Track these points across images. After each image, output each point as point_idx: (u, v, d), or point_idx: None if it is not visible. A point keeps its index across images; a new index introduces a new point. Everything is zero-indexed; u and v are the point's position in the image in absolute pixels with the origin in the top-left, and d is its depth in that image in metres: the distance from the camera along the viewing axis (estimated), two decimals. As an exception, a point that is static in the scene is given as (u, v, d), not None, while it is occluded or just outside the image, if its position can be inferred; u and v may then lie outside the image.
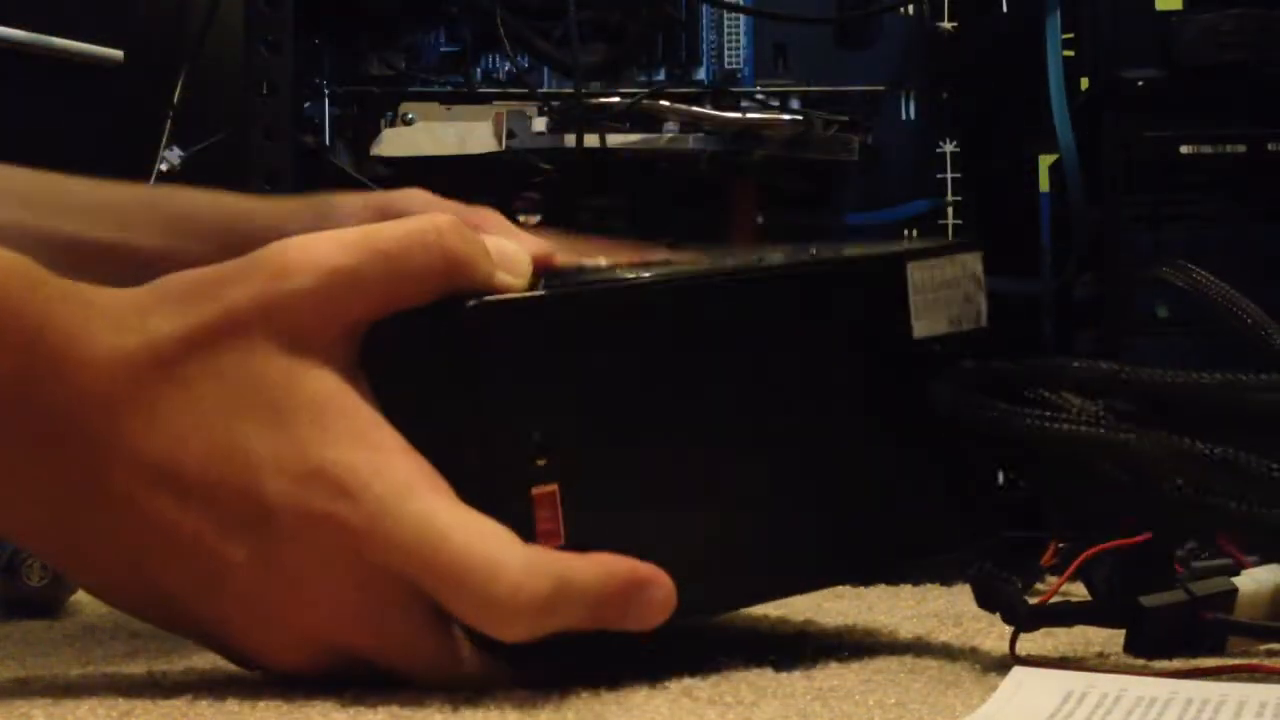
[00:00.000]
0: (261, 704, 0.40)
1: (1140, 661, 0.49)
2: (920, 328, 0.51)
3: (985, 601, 0.48)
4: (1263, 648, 0.50)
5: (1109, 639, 0.52)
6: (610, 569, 0.42)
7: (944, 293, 0.52)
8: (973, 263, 0.53)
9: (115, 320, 0.41)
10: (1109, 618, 0.51)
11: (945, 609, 0.61)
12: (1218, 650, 0.49)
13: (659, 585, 0.43)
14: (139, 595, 0.43)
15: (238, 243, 0.46)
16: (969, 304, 0.52)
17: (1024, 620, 0.48)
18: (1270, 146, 0.73)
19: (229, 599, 0.42)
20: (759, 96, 0.85)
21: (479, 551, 0.40)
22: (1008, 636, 0.52)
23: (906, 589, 0.70)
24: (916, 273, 0.51)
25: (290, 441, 0.41)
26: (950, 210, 0.87)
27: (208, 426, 0.41)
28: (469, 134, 0.80)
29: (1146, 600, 0.49)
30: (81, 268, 0.42)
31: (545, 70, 0.84)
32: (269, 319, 0.41)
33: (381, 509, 0.40)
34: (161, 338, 0.41)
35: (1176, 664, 0.48)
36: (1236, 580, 0.51)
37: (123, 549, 0.41)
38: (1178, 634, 0.49)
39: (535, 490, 0.42)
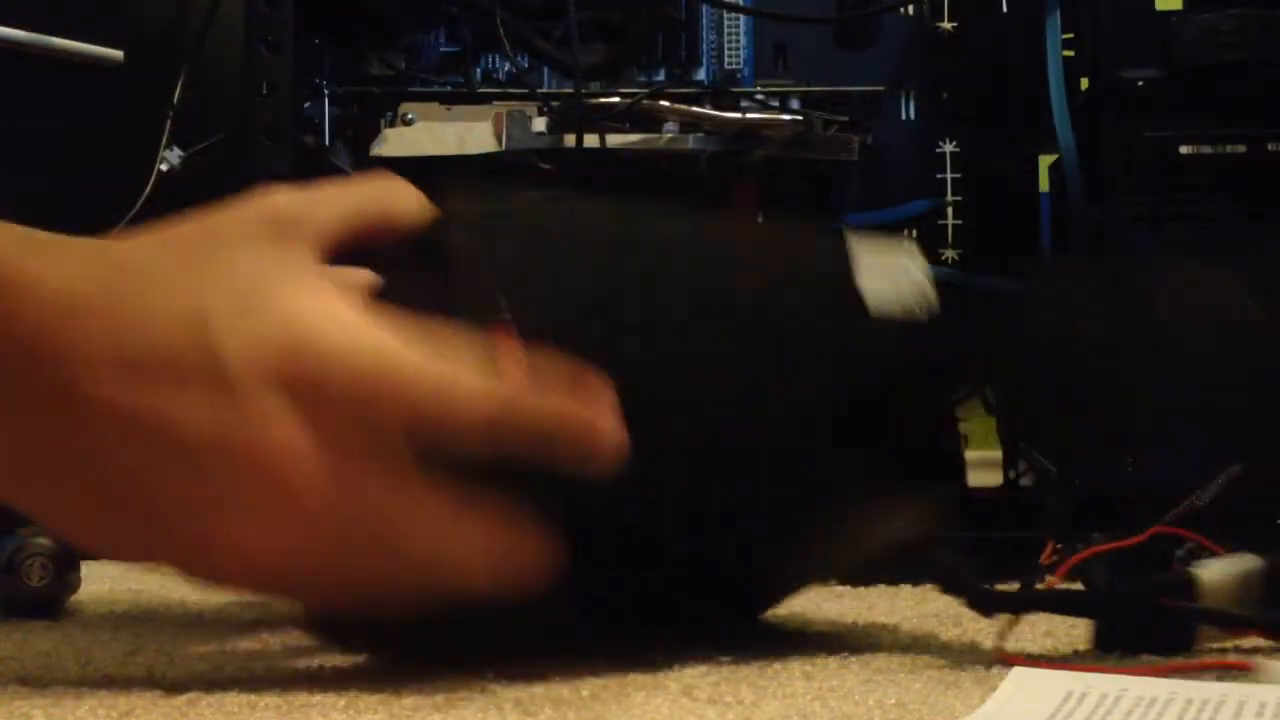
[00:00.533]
0: (261, 704, 0.41)
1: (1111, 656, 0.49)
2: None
3: (948, 587, 0.49)
4: (1231, 644, 0.50)
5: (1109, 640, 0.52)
6: (569, 406, 0.43)
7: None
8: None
9: (66, 247, 0.43)
10: (1072, 607, 0.52)
11: (945, 609, 0.61)
12: (1186, 642, 0.49)
13: (613, 434, 0.43)
14: (119, 524, 0.43)
15: None
16: None
17: (986, 604, 0.49)
18: (1270, 146, 0.73)
19: (201, 503, 0.42)
20: (759, 96, 0.85)
21: (439, 367, 0.42)
22: (1008, 636, 0.52)
23: (906, 589, 0.70)
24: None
25: (245, 299, 0.42)
26: (950, 210, 0.87)
27: (163, 308, 0.42)
28: (469, 134, 0.80)
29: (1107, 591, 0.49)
30: None
31: (545, 70, 0.84)
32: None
33: (339, 345, 0.42)
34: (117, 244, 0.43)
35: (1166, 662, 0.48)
36: (1199, 571, 0.51)
37: (95, 469, 0.42)
38: (1145, 627, 0.49)
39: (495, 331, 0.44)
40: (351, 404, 0.42)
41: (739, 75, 0.87)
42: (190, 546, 0.43)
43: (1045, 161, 0.86)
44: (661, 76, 0.86)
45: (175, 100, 0.89)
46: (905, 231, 0.87)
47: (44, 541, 0.59)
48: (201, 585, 0.45)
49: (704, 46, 0.87)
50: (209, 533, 0.42)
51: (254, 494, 0.41)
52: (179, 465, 0.41)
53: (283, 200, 0.45)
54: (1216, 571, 0.51)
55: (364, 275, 0.46)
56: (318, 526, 0.42)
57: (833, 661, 0.48)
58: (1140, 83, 0.73)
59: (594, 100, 0.80)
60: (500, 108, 0.81)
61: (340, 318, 0.42)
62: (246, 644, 0.52)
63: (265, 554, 0.42)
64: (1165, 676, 0.43)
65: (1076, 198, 0.77)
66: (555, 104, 0.79)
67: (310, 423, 0.41)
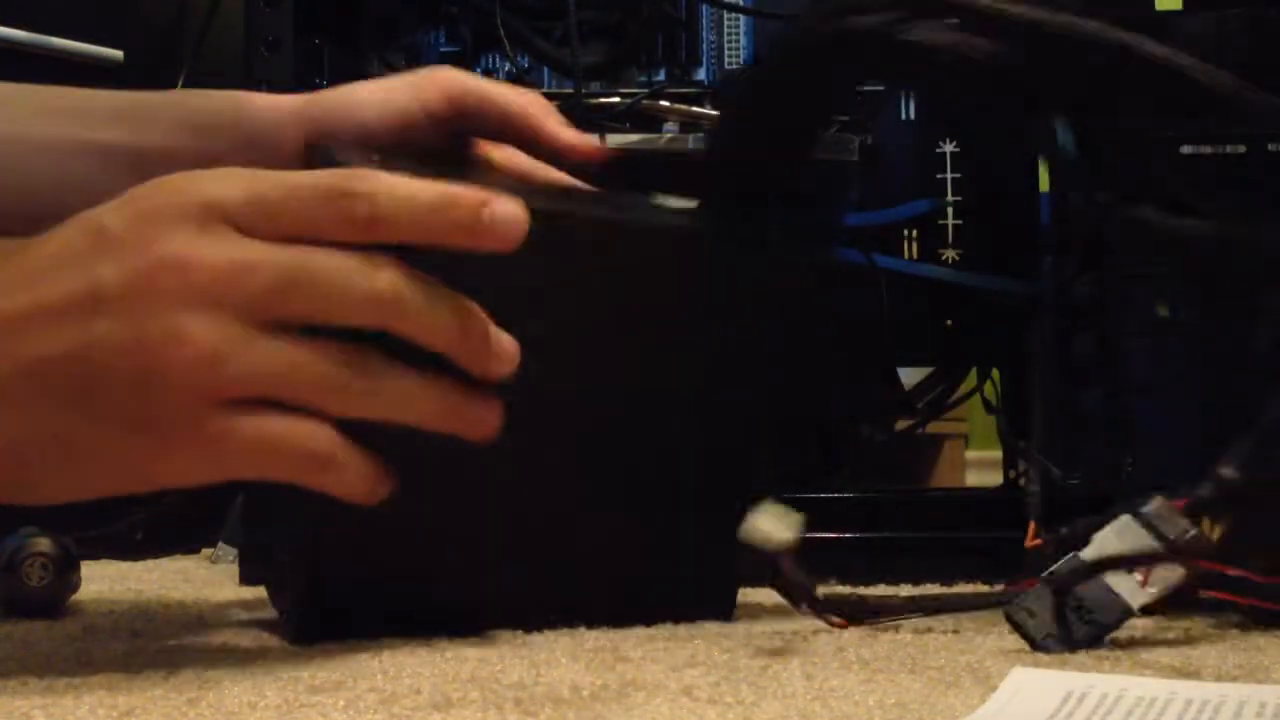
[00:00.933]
0: (261, 704, 0.41)
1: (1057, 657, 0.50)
2: None
3: (789, 596, 0.51)
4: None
5: (1109, 640, 0.52)
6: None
7: None
8: None
9: None
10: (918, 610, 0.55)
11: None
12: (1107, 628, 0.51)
13: (515, 205, 0.47)
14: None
15: (243, 139, 0.57)
16: None
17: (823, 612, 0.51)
18: (1270, 146, 0.73)
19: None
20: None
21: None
22: (1008, 636, 0.52)
23: (906, 589, 0.71)
24: None
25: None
26: (950, 210, 0.87)
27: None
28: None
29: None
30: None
31: (545, 70, 0.84)
32: None
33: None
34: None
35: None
36: (1083, 553, 0.52)
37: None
38: (1058, 619, 0.51)
39: None
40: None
41: (739, 75, 0.87)
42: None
43: (1045, 161, 0.86)
44: (661, 76, 0.86)
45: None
46: (905, 231, 0.87)
47: (44, 542, 0.59)
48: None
49: (704, 46, 0.87)
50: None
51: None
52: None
53: (210, 185, 0.46)
54: (1099, 551, 0.52)
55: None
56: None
57: (833, 661, 0.48)
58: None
59: (594, 100, 0.80)
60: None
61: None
62: (246, 644, 0.52)
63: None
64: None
65: (1076, 198, 0.77)
66: (555, 104, 0.79)
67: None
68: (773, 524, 0.48)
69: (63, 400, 0.43)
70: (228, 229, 0.45)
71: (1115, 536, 0.52)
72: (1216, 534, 0.53)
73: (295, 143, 0.59)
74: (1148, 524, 0.52)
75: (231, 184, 0.46)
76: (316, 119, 0.59)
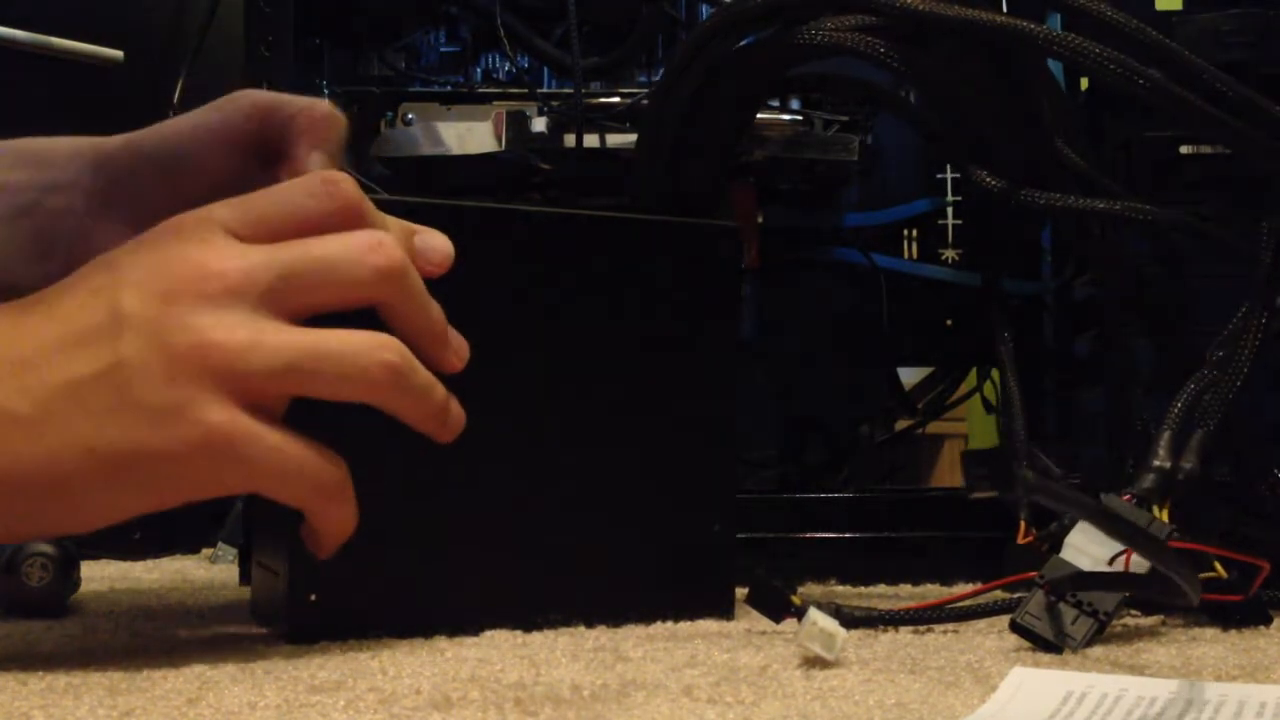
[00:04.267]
0: (261, 704, 0.41)
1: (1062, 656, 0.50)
2: None
3: (756, 602, 0.51)
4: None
5: (1109, 640, 0.52)
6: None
7: None
8: None
9: None
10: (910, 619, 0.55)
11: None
12: (1110, 615, 0.52)
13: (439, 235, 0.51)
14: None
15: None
16: None
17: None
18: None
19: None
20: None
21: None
22: (1008, 637, 0.52)
23: (906, 588, 0.71)
24: None
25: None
26: (950, 210, 0.87)
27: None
28: (469, 134, 0.80)
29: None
30: None
31: (545, 70, 0.84)
32: None
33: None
34: None
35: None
36: (1062, 554, 0.53)
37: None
38: (1061, 619, 0.52)
39: None
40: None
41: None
42: None
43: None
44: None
45: (175, 100, 0.89)
46: (905, 231, 0.87)
47: (44, 542, 0.59)
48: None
49: (704, 46, 0.87)
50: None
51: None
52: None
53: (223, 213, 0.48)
54: (1075, 550, 0.54)
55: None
56: None
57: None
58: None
59: (594, 100, 0.80)
60: (500, 108, 0.81)
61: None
62: (246, 644, 0.52)
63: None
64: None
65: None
66: (555, 104, 0.79)
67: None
68: (823, 640, 0.48)
69: (98, 416, 0.44)
70: (229, 237, 0.47)
71: (1086, 535, 0.53)
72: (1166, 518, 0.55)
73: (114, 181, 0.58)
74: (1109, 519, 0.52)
75: (226, 208, 0.48)
76: (118, 155, 0.59)
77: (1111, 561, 0.53)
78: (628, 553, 0.57)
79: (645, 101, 0.78)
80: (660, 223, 0.59)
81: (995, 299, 0.77)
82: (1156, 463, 0.56)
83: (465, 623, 0.53)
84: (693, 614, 0.57)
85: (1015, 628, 0.52)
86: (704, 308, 0.59)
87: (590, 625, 0.55)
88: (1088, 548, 0.53)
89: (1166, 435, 0.57)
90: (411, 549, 0.53)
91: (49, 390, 0.44)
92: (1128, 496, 0.55)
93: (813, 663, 0.47)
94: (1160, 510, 0.55)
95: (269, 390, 0.45)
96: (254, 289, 0.46)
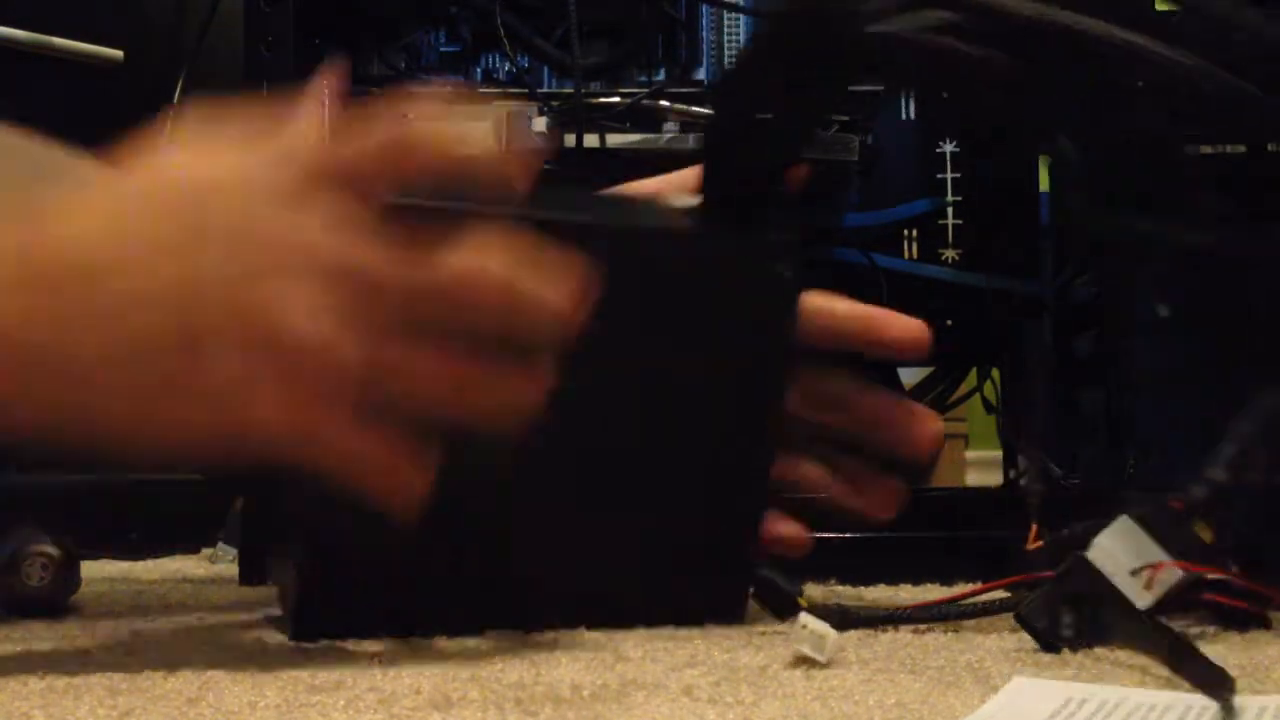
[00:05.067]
0: (261, 704, 0.41)
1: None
2: None
3: (763, 602, 0.51)
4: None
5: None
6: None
7: None
8: None
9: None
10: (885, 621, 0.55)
11: (945, 609, 0.61)
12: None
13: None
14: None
15: None
16: None
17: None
18: (1270, 146, 0.73)
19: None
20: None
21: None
22: (1008, 636, 0.52)
23: (906, 589, 0.71)
24: None
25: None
26: (950, 210, 0.87)
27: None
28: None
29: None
30: None
31: (545, 70, 0.84)
32: None
33: None
34: None
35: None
36: (1089, 554, 0.52)
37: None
38: (1070, 621, 0.51)
39: None
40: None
41: (739, 75, 0.87)
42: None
43: (1045, 161, 0.86)
44: (661, 76, 0.86)
45: (175, 100, 0.89)
46: (905, 231, 0.87)
47: (44, 542, 0.59)
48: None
49: (704, 46, 0.87)
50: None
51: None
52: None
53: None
54: (1102, 551, 0.52)
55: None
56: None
57: (833, 661, 0.48)
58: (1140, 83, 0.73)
59: (594, 100, 0.80)
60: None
61: None
62: (246, 644, 0.52)
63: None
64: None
65: (1076, 198, 0.77)
66: (555, 104, 0.79)
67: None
68: (813, 642, 0.48)
69: (173, 337, 0.44)
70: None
71: (1116, 538, 0.52)
72: (1208, 536, 0.53)
73: None
74: (1147, 526, 0.52)
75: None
76: None
77: (1135, 573, 0.52)
78: (642, 555, 0.56)
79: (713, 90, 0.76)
80: (717, 237, 0.58)
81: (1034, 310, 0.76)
82: (1211, 475, 0.53)
83: (465, 623, 0.53)
84: (703, 619, 0.57)
85: (1020, 620, 0.51)
86: (753, 323, 0.57)
87: (591, 626, 0.55)
88: (1116, 553, 0.52)
89: (1232, 448, 0.54)
90: (411, 549, 0.52)
91: (119, 300, 0.44)
92: (1176, 503, 0.53)
93: (812, 663, 0.47)
94: (1204, 525, 0.52)
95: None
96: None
